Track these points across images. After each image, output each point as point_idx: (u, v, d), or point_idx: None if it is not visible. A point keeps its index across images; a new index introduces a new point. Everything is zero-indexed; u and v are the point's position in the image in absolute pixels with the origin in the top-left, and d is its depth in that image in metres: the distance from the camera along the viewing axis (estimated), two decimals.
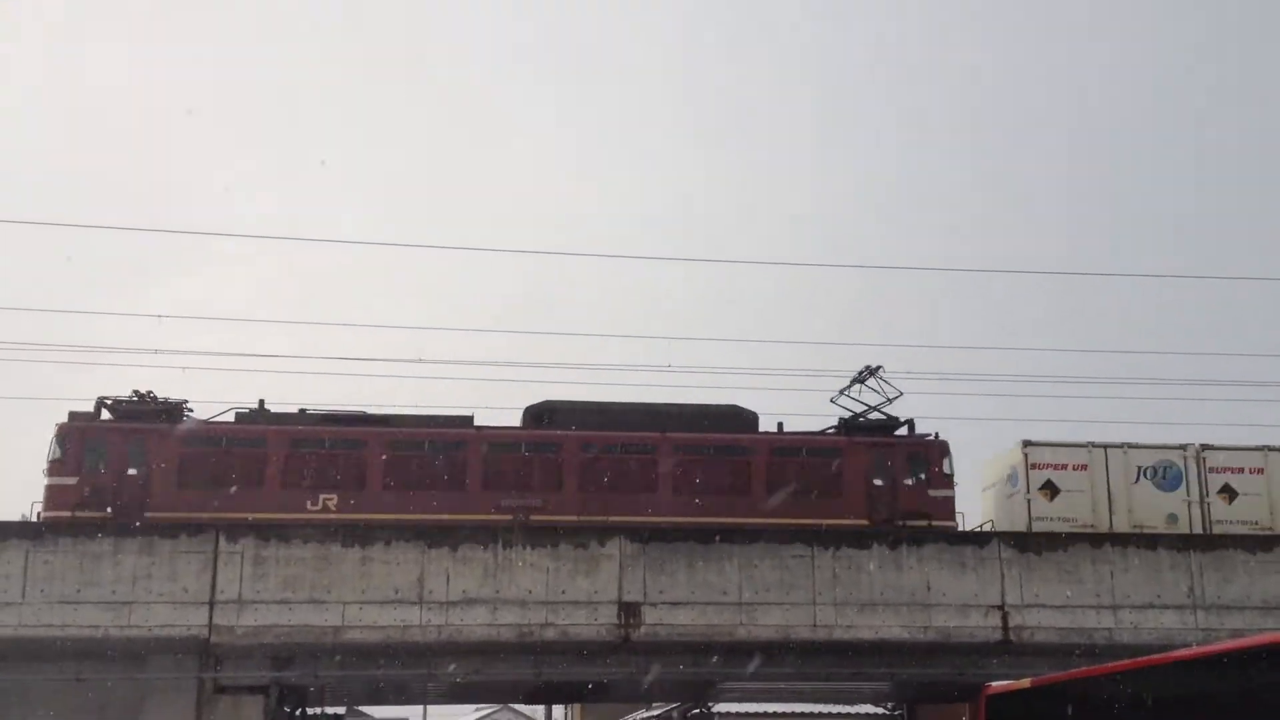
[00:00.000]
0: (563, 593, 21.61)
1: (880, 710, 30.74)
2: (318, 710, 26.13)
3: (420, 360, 38.15)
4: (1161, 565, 22.93)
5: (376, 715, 53.20)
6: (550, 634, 21.51)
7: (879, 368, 27.15)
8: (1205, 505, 25.78)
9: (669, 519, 24.02)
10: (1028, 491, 25.53)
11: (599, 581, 21.73)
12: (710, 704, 29.50)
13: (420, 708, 49.44)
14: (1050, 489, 25.59)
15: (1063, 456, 25.85)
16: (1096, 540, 23.26)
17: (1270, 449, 26.38)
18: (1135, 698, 16.28)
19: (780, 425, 26.52)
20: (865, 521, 24.74)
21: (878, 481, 25.41)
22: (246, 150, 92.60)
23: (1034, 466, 25.69)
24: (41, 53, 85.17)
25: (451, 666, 22.30)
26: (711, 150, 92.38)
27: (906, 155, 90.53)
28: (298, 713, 24.21)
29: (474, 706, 63.11)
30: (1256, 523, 25.62)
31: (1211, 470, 26.00)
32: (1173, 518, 25.59)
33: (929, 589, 22.32)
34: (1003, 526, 26.21)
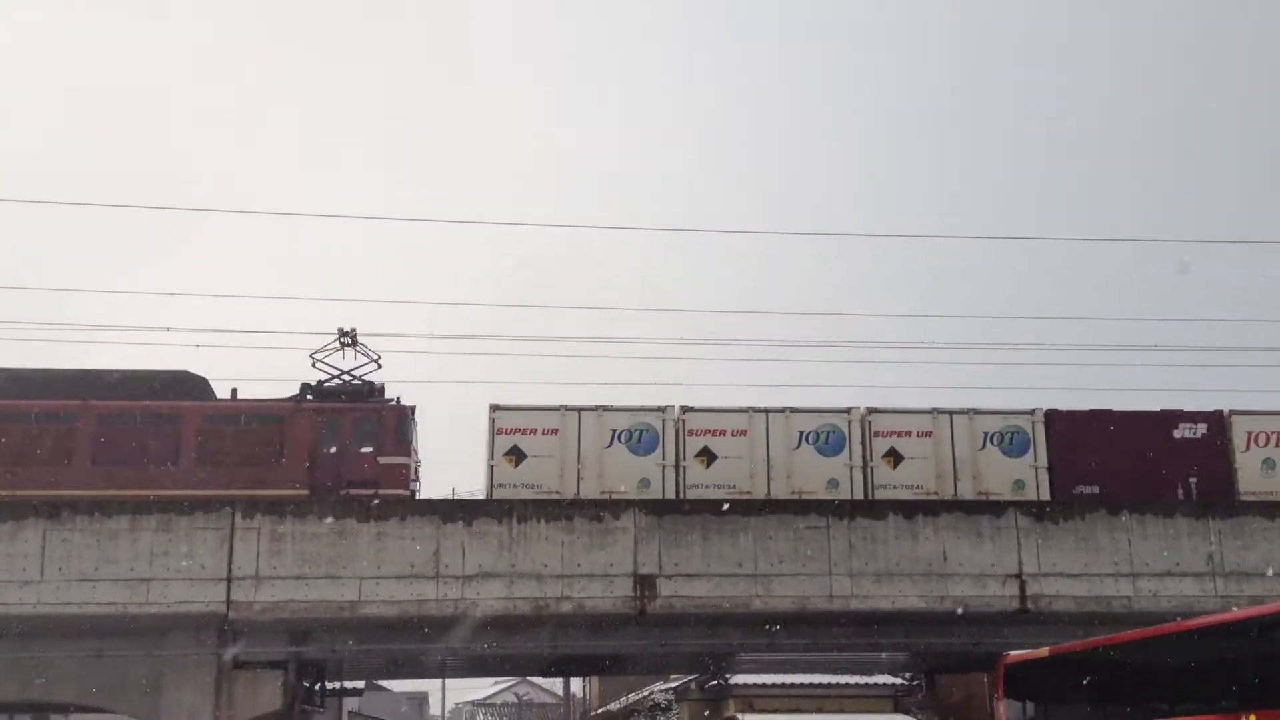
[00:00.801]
0: (578, 566, 21.61)
1: (898, 680, 30.73)
2: (336, 684, 26.29)
3: (431, 335, 38.17)
4: (1180, 532, 22.80)
5: (394, 689, 53.62)
6: (566, 607, 21.52)
7: (354, 330, 25.89)
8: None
9: (86, 492, 22.64)
10: (492, 458, 24.16)
11: (614, 554, 21.72)
12: (727, 675, 29.54)
13: (438, 681, 49.90)
14: (516, 454, 24.27)
15: (531, 420, 24.40)
16: (1114, 508, 23.10)
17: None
18: (1154, 666, 16.24)
19: (234, 391, 25.17)
20: (306, 491, 23.56)
21: (324, 449, 24.16)
22: (248, 129, 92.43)
23: (500, 431, 24.30)
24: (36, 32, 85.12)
25: (468, 640, 22.37)
26: None
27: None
28: (316, 687, 24.34)
29: (491, 679, 63.58)
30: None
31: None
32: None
33: (945, 559, 22.25)
34: (469, 494, 25.01)
